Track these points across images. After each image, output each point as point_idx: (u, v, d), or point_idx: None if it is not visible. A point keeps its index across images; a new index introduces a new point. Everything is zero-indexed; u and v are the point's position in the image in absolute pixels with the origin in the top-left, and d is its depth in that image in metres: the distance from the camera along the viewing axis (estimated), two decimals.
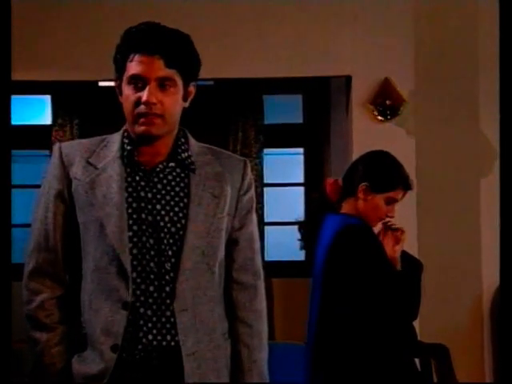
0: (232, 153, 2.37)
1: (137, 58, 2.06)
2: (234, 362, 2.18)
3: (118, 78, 2.13)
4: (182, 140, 2.17)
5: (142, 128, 2.07)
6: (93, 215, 2.07)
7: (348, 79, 4.51)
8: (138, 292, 2.05)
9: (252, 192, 2.23)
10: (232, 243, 2.18)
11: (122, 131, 2.17)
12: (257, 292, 2.21)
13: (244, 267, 2.19)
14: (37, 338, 2.11)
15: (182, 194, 2.12)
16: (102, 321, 2.05)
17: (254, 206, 2.25)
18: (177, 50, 2.07)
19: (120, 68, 2.10)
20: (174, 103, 2.09)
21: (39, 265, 2.12)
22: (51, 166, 2.14)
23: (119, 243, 2.05)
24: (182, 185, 2.13)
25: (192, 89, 2.15)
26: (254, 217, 2.24)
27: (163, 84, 2.06)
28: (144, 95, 2.04)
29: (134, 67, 2.06)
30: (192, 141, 2.20)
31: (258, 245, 2.24)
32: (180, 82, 2.09)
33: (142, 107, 2.05)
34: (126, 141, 2.14)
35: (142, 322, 2.05)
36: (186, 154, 2.15)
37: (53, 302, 2.12)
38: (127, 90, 2.08)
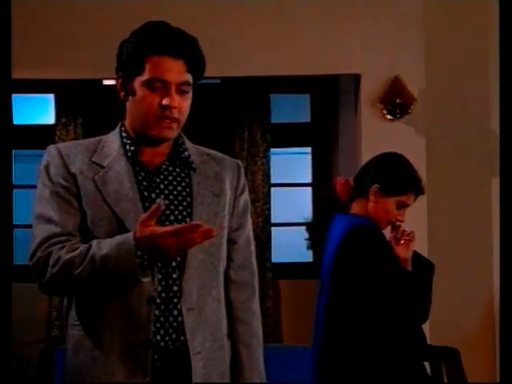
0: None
1: (160, 60, 2.03)
2: (233, 362, 2.18)
3: (126, 76, 2.08)
4: (180, 140, 2.17)
5: (160, 132, 2.06)
6: (105, 211, 2.04)
7: (357, 78, 4.48)
8: None
9: (247, 193, 2.26)
10: (230, 243, 2.20)
11: (118, 130, 2.15)
12: (254, 292, 2.24)
13: (242, 267, 2.22)
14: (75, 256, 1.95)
15: (184, 194, 2.12)
16: None
17: (249, 206, 2.27)
18: (196, 55, 2.09)
19: (132, 67, 2.06)
20: (188, 107, 2.11)
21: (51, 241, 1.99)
22: (51, 166, 2.08)
23: None
24: (183, 184, 2.13)
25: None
26: (250, 217, 2.26)
27: (181, 89, 2.06)
28: (167, 100, 2.03)
29: (156, 69, 2.03)
30: (188, 141, 2.20)
31: (253, 245, 2.28)
32: (191, 86, 2.10)
33: (165, 111, 2.04)
34: (128, 141, 2.12)
35: None
36: (187, 153, 2.16)
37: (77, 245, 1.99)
38: (143, 92, 2.05)
